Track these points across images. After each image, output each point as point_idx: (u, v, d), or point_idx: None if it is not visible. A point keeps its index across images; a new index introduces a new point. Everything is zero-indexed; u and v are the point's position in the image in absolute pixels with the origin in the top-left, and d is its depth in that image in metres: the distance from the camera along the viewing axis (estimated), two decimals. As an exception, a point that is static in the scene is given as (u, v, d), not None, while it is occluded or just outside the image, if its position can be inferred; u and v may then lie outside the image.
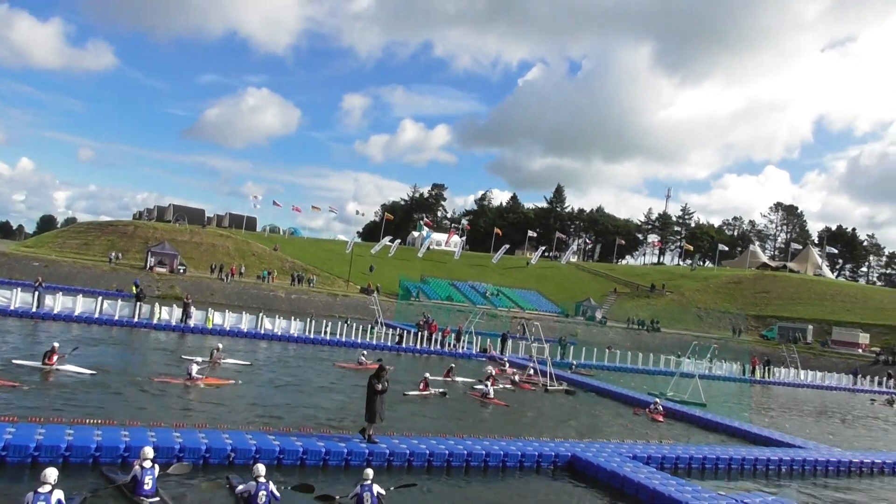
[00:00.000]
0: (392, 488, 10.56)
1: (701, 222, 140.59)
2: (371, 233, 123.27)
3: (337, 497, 10.38)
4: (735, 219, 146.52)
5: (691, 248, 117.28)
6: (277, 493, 9.75)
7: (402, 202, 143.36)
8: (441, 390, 22.65)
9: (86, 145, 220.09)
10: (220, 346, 23.56)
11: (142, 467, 9.49)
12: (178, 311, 32.33)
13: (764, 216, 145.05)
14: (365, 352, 28.96)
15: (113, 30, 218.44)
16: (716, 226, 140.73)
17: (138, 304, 32.13)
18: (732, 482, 15.33)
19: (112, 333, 27.89)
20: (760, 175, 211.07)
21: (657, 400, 23.90)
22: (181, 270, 57.08)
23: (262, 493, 9.57)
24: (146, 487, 9.41)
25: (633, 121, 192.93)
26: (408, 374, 26.03)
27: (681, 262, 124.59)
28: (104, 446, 11.08)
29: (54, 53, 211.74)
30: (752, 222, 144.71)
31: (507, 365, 31.58)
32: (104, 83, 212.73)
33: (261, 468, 9.95)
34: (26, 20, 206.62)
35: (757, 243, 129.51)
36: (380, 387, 13.65)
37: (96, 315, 30.54)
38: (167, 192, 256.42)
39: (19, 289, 31.31)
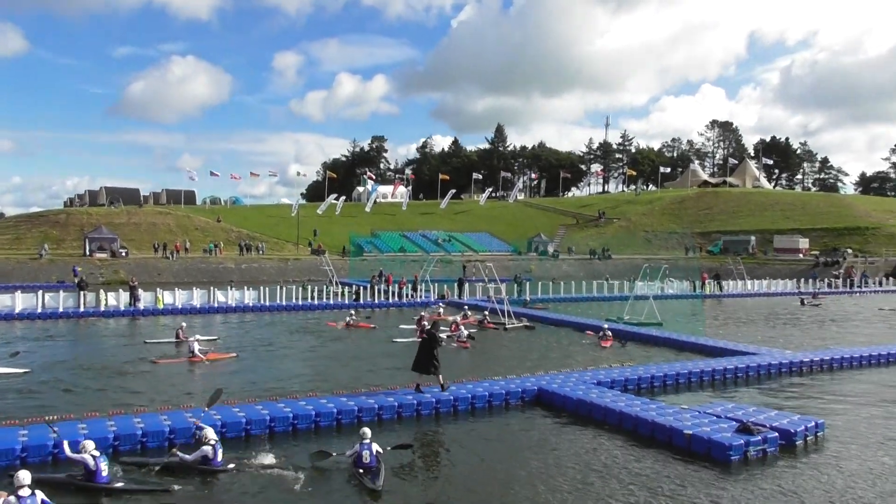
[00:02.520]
0: (389, 448, 10.60)
1: (641, 147, 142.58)
2: (315, 192, 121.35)
3: (334, 453, 10.46)
4: (674, 140, 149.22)
5: (634, 173, 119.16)
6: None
7: (344, 158, 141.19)
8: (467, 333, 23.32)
9: (4, 136, 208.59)
10: (185, 324, 23.23)
11: (92, 456, 9.38)
12: (125, 296, 31.41)
13: (701, 135, 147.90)
14: (353, 311, 29.06)
15: (18, 10, 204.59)
16: (656, 149, 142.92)
17: (82, 293, 31.07)
18: (693, 394, 15.87)
19: (59, 326, 26.98)
20: (697, 94, 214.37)
21: (605, 326, 24.32)
22: (123, 254, 55.33)
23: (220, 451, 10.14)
24: (103, 475, 9.38)
25: (569, 52, 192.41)
26: (380, 328, 26.61)
27: (625, 189, 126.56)
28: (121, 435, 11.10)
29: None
30: (690, 142, 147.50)
31: (441, 310, 31.31)
32: (16, 69, 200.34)
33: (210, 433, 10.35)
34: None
35: (696, 162, 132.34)
36: (441, 339, 14.74)
37: (39, 310, 29.42)
38: (98, 174, 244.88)
39: (-48, 292, 29.94)
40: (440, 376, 14.44)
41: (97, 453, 9.49)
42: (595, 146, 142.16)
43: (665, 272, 36.86)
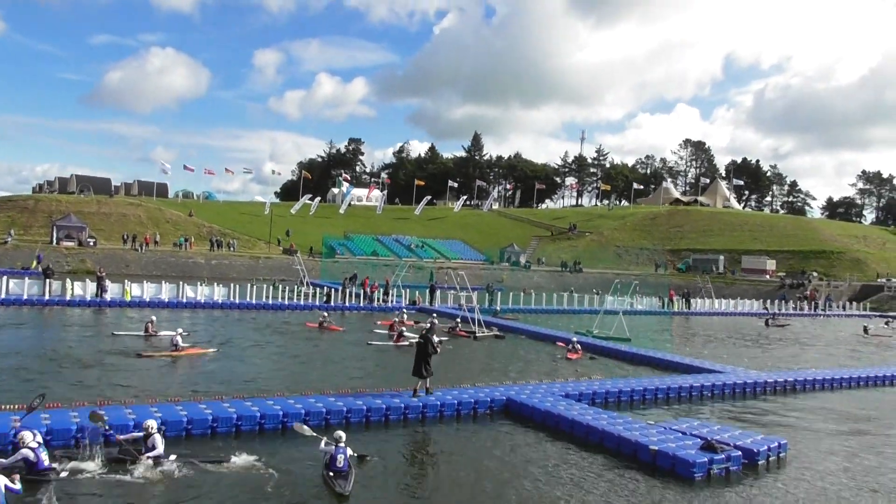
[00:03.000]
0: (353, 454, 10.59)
1: (616, 163, 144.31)
2: (290, 192, 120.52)
3: (314, 433, 10.72)
4: (648, 157, 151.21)
5: (608, 187, 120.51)
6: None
7: (320, 159, 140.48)
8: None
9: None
10: (154, 318, 23.04)
11: (30, 448, 9.29)
12: (92, 286, 30.87)
13: (674, 153, 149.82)
14: (326, 313, 28.68)
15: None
16: (630, 165, 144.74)
17: (47, 280, 30.46)
18: (659, 410, 16.07)
19: (23, 313, 26.42)
20: (672, 113, 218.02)
21: (574, 339, 24.37)
22: (91, 243, 54.37)
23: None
24: (44, 464, 9.35)
25: (549, 65, 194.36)
26: (350, 331, 26.55)
27: (598, 203, 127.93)
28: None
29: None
30: (663, 160, 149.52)
31: (405, 316, 31.07)
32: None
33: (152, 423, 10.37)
34: None
35: (669, 180, 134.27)
36: (436, 345, 14.74)
37: (2, 296, 28.76)
38: (69, 162, 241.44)
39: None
40: (424, 382, 14.62)
41: (35, 444, 9.35)
42: (570, 159, 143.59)
43: (635, 288, 37.33)
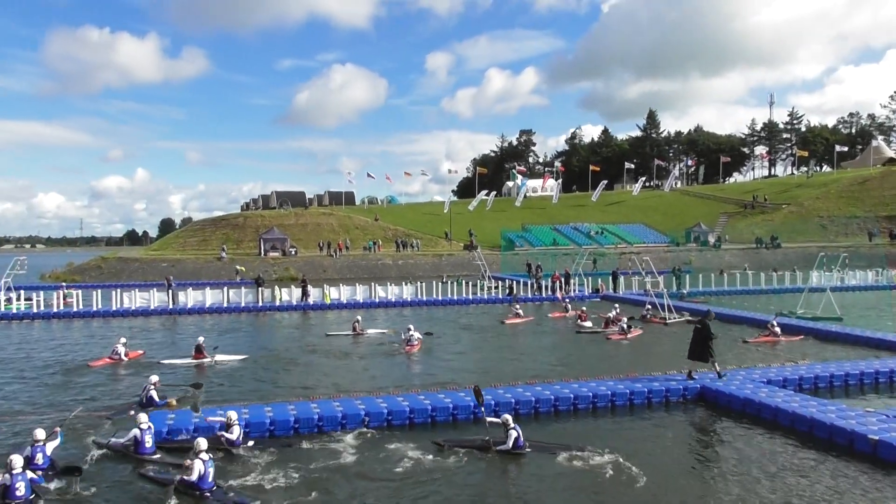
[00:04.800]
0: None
1: (813, 125, 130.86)
2: (466, 189, 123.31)
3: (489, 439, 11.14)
4: (852, 115, 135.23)
5: (805, 153, 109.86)
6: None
7: (493, 154, 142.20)
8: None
9: (192, 148, 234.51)
10: (360, 318, 24.79)
11: (11, 475, 8.80)
12: (296, 292, 33.86)
13: (885, 107, 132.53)
14: (518, 305, 29.33)
15: (203, 34, 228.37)
16: (830, 126, 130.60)
17: (259, 289, 33.91)
18: (880, 396, 14.52)
19: (241, 319, 29.51)
20: (882, 61, 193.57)
21: (773, 321, 22.62)
22: (293, 252, 59.45)
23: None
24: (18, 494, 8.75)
25: (730, 27, 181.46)
26: (548, 320, 27.24)
27: (795, 171, 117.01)
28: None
29: (153, 67, 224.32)
30: (871, 116, 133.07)
31: (569, 303, 30.52)
32: (200, 87, 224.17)
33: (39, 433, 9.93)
34: (126, 40, 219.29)
35: (880, 138, 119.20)
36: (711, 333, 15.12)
37: (224, 304, 32.50)
38: (269, 179, 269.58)
39: (155, 289, 33.58)
40: (715, 364, 14.96)
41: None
42: (759, 127, 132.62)
43: (844, 261, 33.87)
